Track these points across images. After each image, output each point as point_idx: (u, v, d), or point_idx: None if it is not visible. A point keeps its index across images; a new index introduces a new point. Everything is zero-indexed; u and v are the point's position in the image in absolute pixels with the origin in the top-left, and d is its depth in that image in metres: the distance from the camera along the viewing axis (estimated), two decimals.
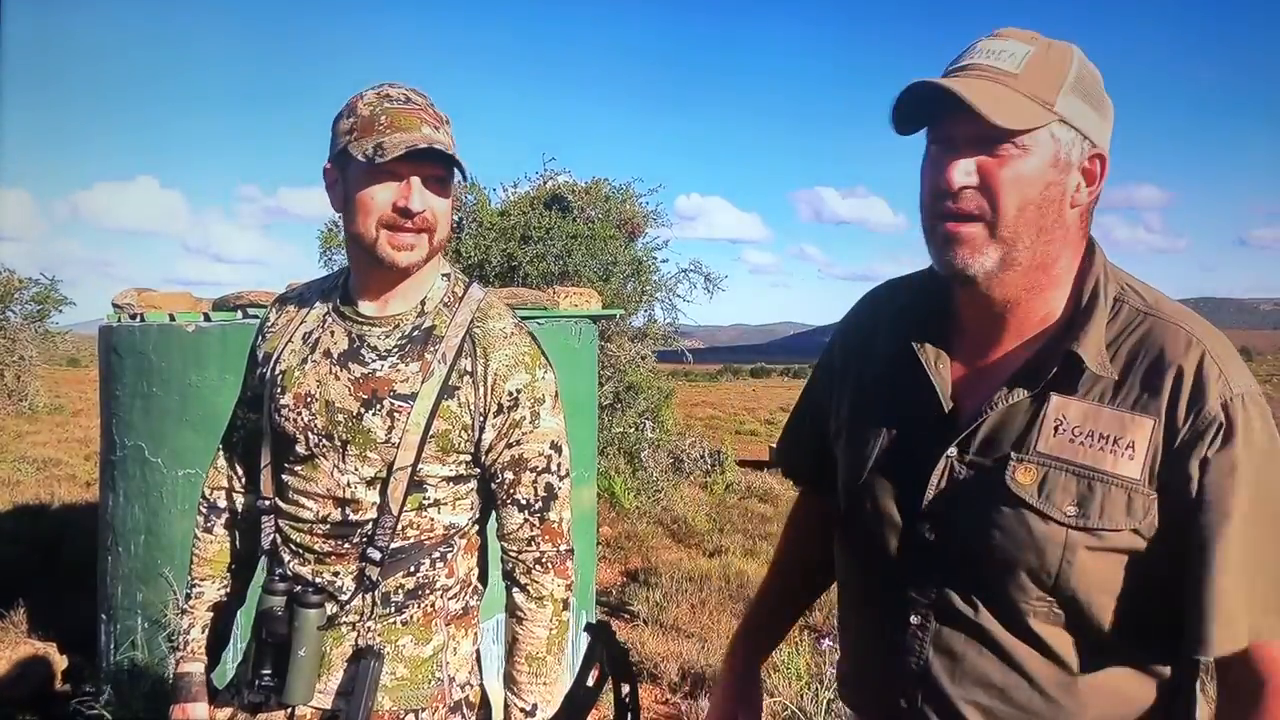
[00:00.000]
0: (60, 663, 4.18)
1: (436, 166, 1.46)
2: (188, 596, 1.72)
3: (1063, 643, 1.14)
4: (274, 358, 1.60)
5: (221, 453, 1.74)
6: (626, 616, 5.44)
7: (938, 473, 1.19)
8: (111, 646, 3.70)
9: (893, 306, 1.34)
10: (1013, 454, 1.14)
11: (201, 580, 1.70)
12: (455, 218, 8.74)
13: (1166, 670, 1.16)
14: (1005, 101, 1.09)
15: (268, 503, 1.60)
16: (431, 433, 1.50)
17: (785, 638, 1.61)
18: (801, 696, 3.66)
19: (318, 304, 1.63)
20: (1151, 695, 1.16)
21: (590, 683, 1.54)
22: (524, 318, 1.64)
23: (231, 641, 1.78)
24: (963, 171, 1.11)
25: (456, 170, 1.50)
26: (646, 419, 8.83)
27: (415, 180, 1.45)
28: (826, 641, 3.90)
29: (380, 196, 1.45)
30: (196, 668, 1.67)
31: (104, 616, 3.76)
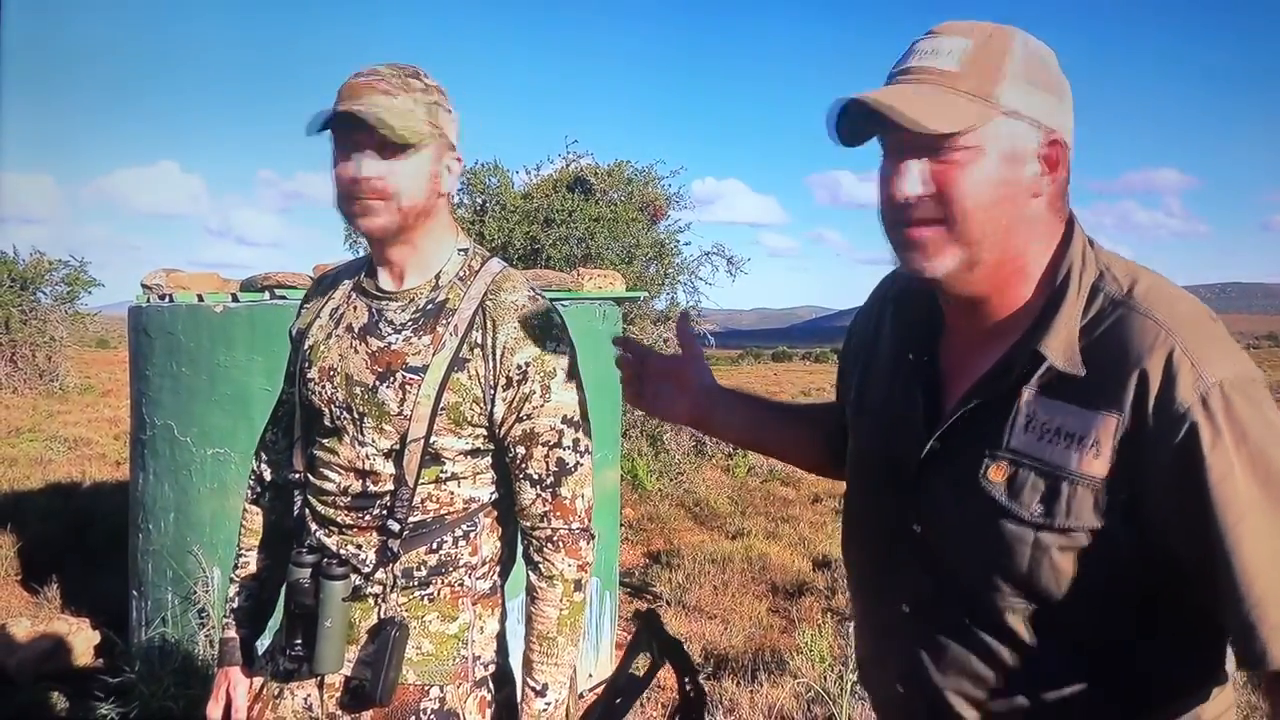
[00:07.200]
0: (92, 638, 4.25)
1: (373, 133, 1.45)
2: (235, 565, 1.78)
3: (1035, 639, 1.11)
4: (305, 334, 1.66)
5: (270, 427, 1.79)
6: (649, 597, 5.47)
7: (924, 468, 1.18)
8: (142, 622, 3.76)
9: (894, 299, 1.33)
10: (987, 451, 1.11)
11: (247, 550, 1.77)
12: (479, 200, 8.77)
13: (1145, 673, 1.10)
14: (938, 104, 1.06)
15: (298, 476, 1.65)
16: (442, 405, 1.52)
17: (738, 414, 1.55)
18: (825, 678, 3.66)
19: (346, 281, 1.68)
20: (1116, 698, 1.10)
21: (638, 671, 1.52)
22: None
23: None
24: (911, 181, 1.08)
25: (428, 132, 1.48)
26: None
27: (357, 152, 1.47)
28: (852, 624, 3.90)
29: (339, 169, 1.50)
30: (238, 634, 1.73)
31: (135, 593, 3.82)
